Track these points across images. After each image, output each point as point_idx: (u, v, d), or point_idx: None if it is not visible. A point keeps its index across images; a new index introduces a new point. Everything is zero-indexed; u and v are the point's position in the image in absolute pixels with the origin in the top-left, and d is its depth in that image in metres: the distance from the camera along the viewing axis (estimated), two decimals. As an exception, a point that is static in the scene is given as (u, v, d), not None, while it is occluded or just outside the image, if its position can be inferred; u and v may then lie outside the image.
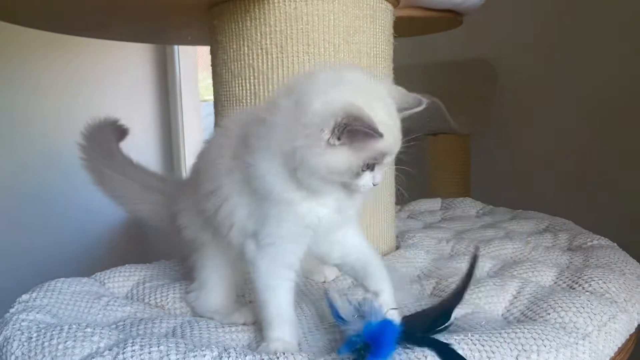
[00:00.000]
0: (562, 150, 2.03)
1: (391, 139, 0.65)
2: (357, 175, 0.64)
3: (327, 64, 0.96)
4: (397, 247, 1.15)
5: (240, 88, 1.01)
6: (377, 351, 0.60)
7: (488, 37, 2.19)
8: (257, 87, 0.99)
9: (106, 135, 0.98)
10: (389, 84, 0.70)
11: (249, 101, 1.00)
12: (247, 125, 0.70)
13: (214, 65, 1.09)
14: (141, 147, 2.49)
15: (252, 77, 0.99)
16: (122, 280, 0.98)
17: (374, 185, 0.66)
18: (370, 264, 0.75)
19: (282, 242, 0.70)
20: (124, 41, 1.46)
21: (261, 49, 0.98)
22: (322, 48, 0.98)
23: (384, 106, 0.65)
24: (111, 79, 2.38)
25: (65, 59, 2.19)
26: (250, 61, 0.99)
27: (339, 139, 0.61)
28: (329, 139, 0.61)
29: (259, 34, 0.98)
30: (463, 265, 1.00)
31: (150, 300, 0.91)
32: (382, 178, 0.67)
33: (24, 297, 0.86)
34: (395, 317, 0.68)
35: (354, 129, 0.60)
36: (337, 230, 0.73)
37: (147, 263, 1.05)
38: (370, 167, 0.65)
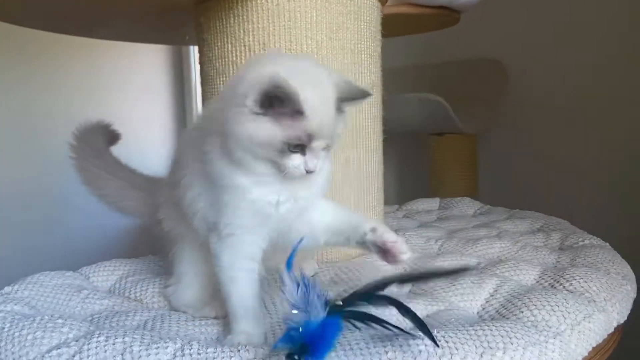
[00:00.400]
0: (572, 151, 1.99)
1: (317, 121, 0.64)
2: (283, 153, 0.64)
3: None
4: (386, 246, 1.14)
5: (225, 85, 1.02)
6: (314, 352, 0.58)
7: (498, 36, 2.17)
8: (240, 83, 1.00)
9: (96, 137, 1.00)
10: (337, 75, 0.69)
11: (232, 98, 1.01)
12: (205, 117, 0.71)
13: (201, 63, 1.09)
14: (157, 147, 2.52)
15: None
16: (107, 274, 0.99)
17: (308, 172, 0.65)
18: (347, 219, 0.74)
19: (241, 232, 0.70)
20: (124, 41, 1.48)
21: (244, 46, 0.99)
22: (304, 45, 0.98)
23: (318, 90, 0.65)
24: (127, 80, 2.41)
25: (79, 61, 2.23)
26: (234, 58, 1.00)
27: (261, 106, 0.62)
28: (251, 106, 0.62)
29: (242, 31, 0.98)
30: (445, 264, 0.99)
31: (130, 294, 0.92)
32: (317, 166, 0.66)
33: (6, 289, 0.88)
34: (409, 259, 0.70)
35: (273, 95, 0.61)
36: (298, 219, 0.73)
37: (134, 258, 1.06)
38: (300, 149, 0.64)
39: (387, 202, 1.57)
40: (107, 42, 1.51)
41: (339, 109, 0.67)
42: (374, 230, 0.71)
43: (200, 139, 0.70)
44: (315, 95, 0.64)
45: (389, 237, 0.70)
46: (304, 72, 0.66)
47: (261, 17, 0.97)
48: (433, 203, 1.54)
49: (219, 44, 1.02)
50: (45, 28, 1.27)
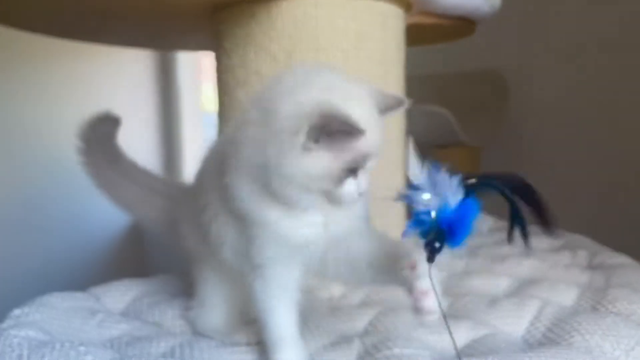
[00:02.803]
0: (578, 164, 1.98)
1: (373, 138, 0.58)
2: (340, 181, 0.58)
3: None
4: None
5: (246, 95, 0.97)
6: (454, 237, 0.54)
7: (501, 48, 2.16)
8: (263, 94, 0.95)
9: (105, 136, 0.93)
10: (366, 84, 0.63)
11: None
12: (226, 142, 0.65)
13: (218, 72, 1.04)
14: (140, 157, 2.46)
15: (258, 84, 0.95)
16: (119, 295, 0.93)
17: (359, 195, 0.60)
18: (390, 249, 0.64)
19: (272, 264, 0.65)
20: (126, 47, 1.42)
21: (268, 54, 0.94)
22: (331, 54, 0.94)
23: (361, 104, 0.60)
24: (111, 86, 2.35)
25: (64, 65, 2.16)
26: (257, 67, 0.95)
27: (316, 141, 0.56)
28: (304, 143, 0.56)
29: (266, 39, 0.94)
30: (476, 284, 0.95)
31: (148, 317, 0.86)
32: (367, 186, 0.60)
33: (16, 312, 0.81)
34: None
35: (332, 130, 0.55)
36: (334, 248, 0.66)
37: (146, 277, 1.00)
38: (352, 172, 0.59)
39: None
40: (92, 47, 1.45)
41: None
42: (412, 267, 0.60)
43: (221, 167, 0.64)
44: (364, 113, 0.59)
45: (419, 284, 0.60)
46: (346, 90, 0.60)
47: (286, 25, 0.93)
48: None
49: (241, 52, 0.97)
50: (51, 33, 1.21)
